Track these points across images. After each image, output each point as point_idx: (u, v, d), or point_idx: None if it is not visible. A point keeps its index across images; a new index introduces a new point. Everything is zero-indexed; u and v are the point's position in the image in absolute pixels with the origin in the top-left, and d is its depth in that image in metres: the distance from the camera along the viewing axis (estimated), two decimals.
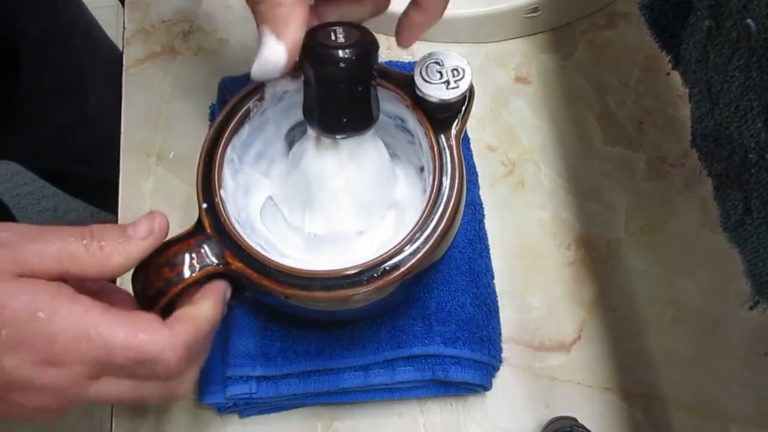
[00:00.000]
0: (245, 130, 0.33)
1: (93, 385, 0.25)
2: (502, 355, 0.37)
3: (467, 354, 0.35)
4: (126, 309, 0.26)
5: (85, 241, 0.25)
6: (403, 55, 0.48)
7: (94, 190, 0.81)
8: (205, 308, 0.27)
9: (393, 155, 0.37)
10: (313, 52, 0.29)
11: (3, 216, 0.72)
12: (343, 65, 0.29)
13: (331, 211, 0.33)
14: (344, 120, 0.31)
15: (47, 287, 0.24)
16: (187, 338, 0.26)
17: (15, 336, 0.23)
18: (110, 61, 0.58)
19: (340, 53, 0.29)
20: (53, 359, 0.24)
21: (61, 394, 0.24)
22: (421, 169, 0.35)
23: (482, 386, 0.36)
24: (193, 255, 0.29)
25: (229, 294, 0.30)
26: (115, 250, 0.26)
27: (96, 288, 0.28)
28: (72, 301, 0.24)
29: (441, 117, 0.31)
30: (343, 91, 0.30)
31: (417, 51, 0.48)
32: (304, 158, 0.33)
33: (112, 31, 0.71)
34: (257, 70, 0.28)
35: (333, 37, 0.30)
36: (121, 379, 0.25)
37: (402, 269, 0.28)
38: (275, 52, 0.27)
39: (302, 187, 0.34)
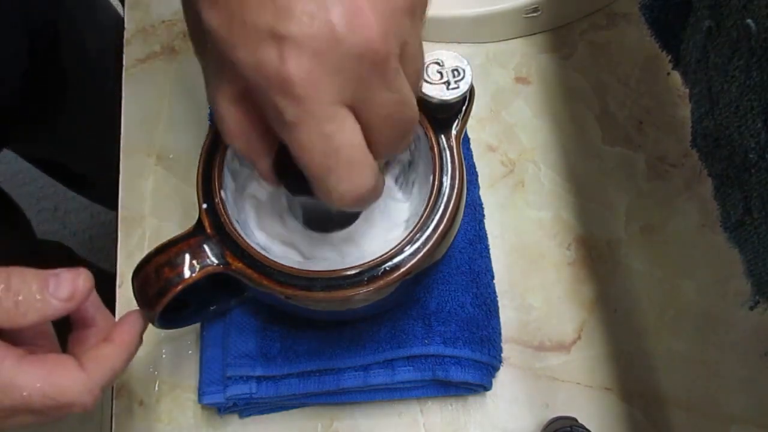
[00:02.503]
0: None
1: (7, 420, 0.25)
2: (502, 355, 0.37)
3: (467, 354, 0.35)
4: (45, 348, 0.26)
5: (0, 287, 0.24)
6: None
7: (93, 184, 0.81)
8: (122, 348, 0.28)
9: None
10: (292, 184, 0.27)
11: (5, 207, 0.71)
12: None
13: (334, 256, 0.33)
14: (331, 221, 0.31)
15: None
16: (103, 380, 0.26)
17: None
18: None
19: None
20: None
21: None
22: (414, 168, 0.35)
23: (482, 386, 0.36)
24: (194, 255, 0.29)
25: (145, 327, 0.29)
26: (31, 308, 0.24)
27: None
28: None
29: (441, 117, 0.31)
30: (326, 212, 0.31)
31: None
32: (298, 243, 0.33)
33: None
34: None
35: None
36: (35, 415, 0.25)
37: (402, 269, 0.28)
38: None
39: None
